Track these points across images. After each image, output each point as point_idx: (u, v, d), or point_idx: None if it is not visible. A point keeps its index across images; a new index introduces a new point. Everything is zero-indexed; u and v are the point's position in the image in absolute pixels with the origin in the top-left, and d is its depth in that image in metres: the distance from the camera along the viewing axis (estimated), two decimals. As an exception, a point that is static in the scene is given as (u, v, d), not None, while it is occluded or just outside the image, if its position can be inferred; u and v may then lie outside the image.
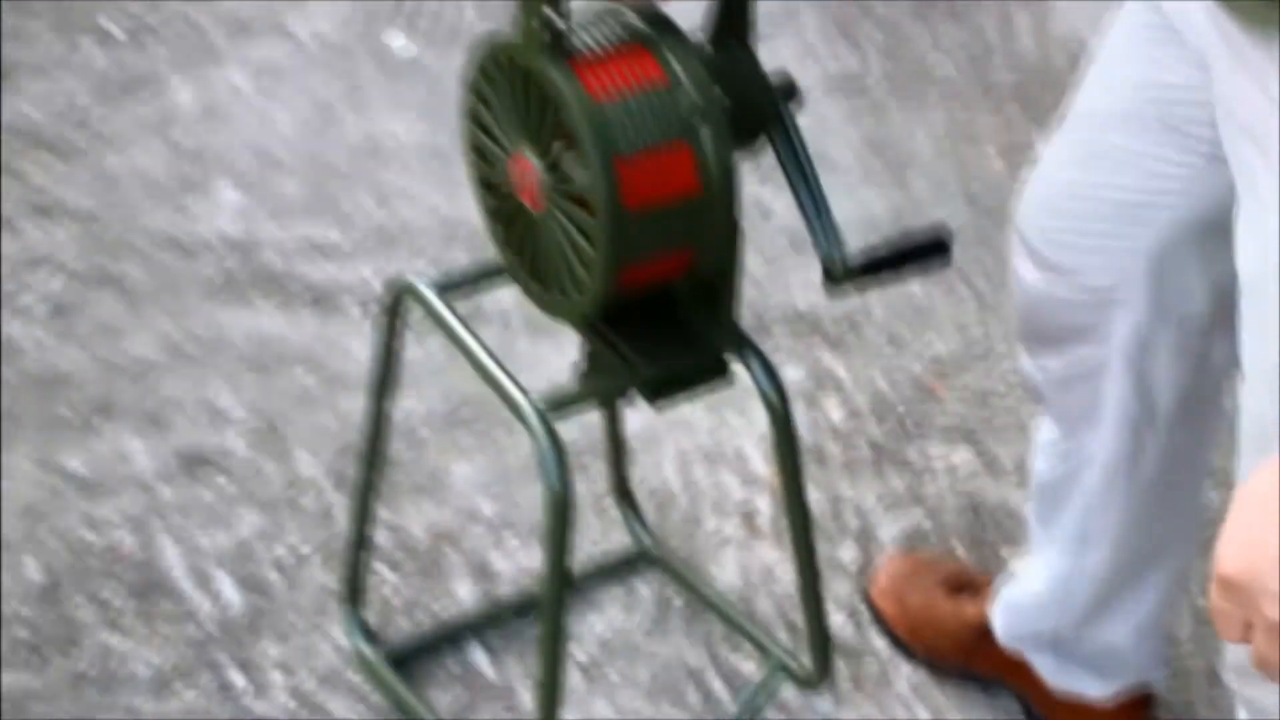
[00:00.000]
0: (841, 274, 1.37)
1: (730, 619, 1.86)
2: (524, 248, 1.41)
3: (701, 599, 1.89)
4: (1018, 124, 2.63)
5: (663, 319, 1.44)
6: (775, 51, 2.74)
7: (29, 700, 1.75)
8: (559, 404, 1.42)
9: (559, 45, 1.30)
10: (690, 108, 1.31)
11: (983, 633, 1.79)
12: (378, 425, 1.66)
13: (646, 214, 1.31)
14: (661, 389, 1.44)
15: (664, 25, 1.34)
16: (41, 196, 2.37)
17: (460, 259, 2.25)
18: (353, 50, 2.67)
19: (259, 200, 2.39)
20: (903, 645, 1.87)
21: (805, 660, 1.73)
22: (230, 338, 2.18)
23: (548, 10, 1.28)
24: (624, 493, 1.96)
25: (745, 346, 1.44)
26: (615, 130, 1.29)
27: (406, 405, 2.09)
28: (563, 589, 1.44)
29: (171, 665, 1.80)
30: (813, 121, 2.55)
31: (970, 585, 1.86)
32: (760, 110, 1.38)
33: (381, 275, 2.26)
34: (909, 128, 2.62)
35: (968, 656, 1.82)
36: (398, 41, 2.70)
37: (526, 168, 1.36)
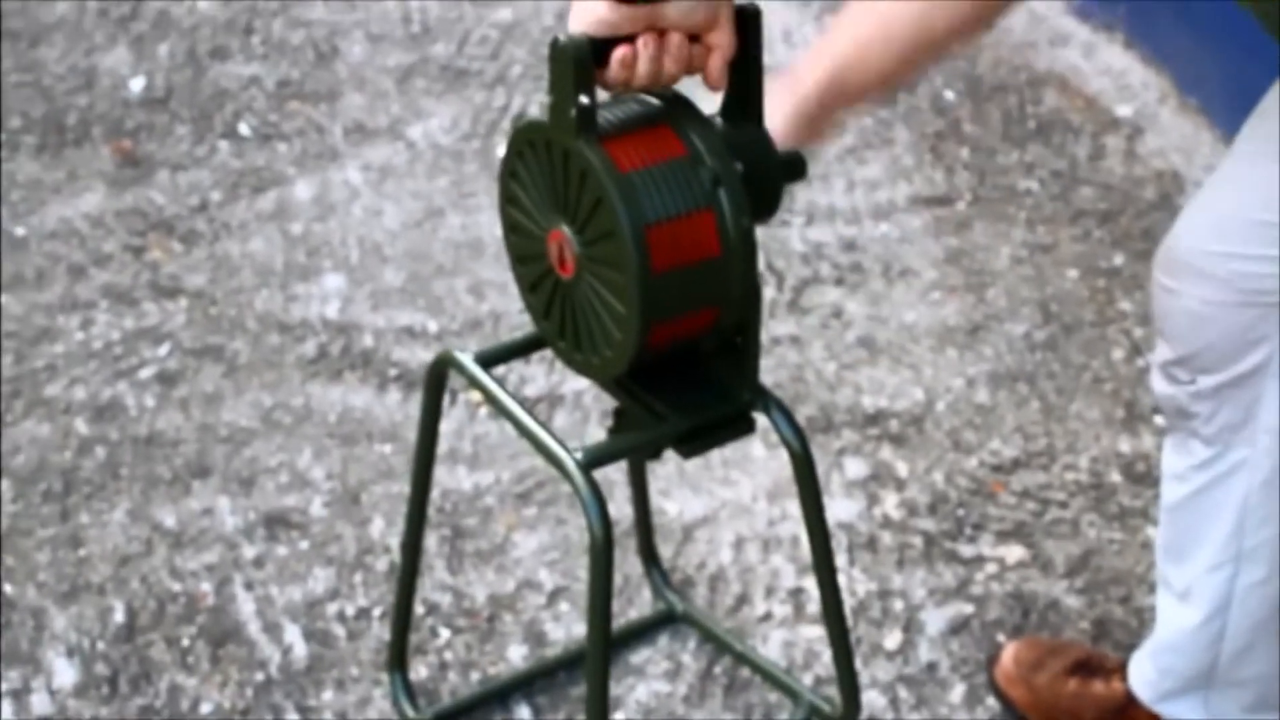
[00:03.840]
0: None
1: (761, 668, 1.93)
2: (557, 314, 1.52)
3: (732, 652, 1.96)
4: (1100, 247, 2.70)
5: (688, 376, 1.54)
6: (866, 167, 2.85)
7: (99, 728, 1.88)
8: (598, 456, 1.52)
9: (590, 124, 1.42)
10: (710, 177, 1.42)
11: (1119, 711, 1.81)
12: (424, 485, 1.75)
13: (672, 276, 1.42)
14: (692, 441, 1.53)
15: (681, 104, 1.46)
16: (162, 277, 2.54)
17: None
18: (463, 155, 2.83)
19: (361, 288, 2.54)
20: None
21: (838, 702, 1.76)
22: (321, 411, 2.31)
23: (581, 95, 1.40)
24: (650, 555, 2.04)
25: (767, 398, 1.53)
26: (642, 199, 1.40)
27: (479, 479, 2.21)
28: (608, 632, 1.51)
29: (234, 706, 1.91)
30: (896, 233, 2.69)
31: (1100, 668, 1.87)
32: (774, 179, 1.48)
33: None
34: (991, 243, 2.70)
35: None
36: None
37: (561, 240, 1.47)
